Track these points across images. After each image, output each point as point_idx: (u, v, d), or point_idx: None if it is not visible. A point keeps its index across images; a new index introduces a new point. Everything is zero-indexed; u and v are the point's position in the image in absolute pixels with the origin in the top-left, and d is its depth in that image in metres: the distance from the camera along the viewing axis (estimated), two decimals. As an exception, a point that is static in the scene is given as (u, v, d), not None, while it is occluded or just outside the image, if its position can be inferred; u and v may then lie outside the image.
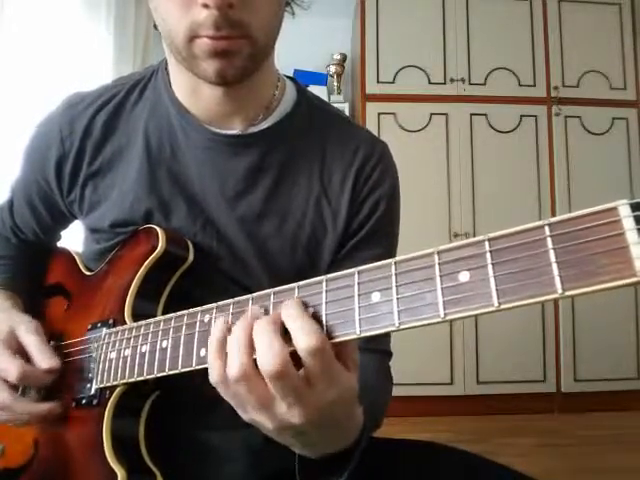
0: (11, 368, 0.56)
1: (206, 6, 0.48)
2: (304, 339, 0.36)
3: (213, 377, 0.40)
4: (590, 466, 1.85)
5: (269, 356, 0.36)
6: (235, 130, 0.63)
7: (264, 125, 0.64)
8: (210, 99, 0.61)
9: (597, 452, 1.99)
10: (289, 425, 0.38)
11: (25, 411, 0.57)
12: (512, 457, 1.64)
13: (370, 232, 0.65)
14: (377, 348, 0.65)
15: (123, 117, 0.65)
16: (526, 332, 2.48)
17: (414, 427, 2.11)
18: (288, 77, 0.71)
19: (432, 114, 2.59)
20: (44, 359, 0.57)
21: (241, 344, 0.38)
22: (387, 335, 0.68)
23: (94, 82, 0.72)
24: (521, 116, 2.60)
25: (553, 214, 2.53)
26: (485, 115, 2.60)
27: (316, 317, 0.38)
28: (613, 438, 2.14)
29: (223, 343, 0.39)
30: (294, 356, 0.37)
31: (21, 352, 0.59)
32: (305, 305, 0.38)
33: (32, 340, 0.59)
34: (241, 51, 0.52)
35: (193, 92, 0.62)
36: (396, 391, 0.68)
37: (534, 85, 2.63)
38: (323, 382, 0.37)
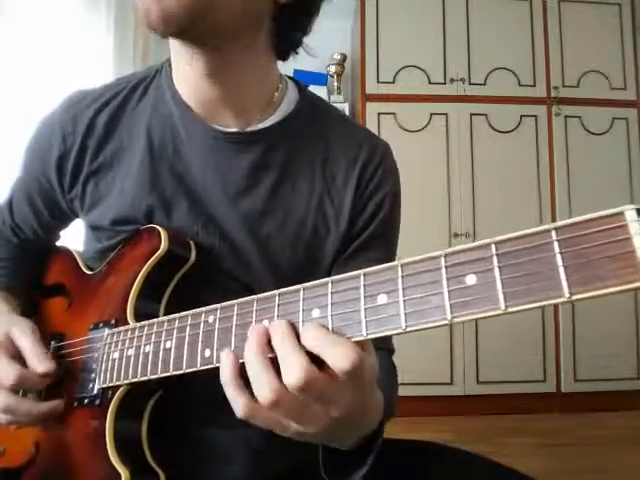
0: (9, 373, 0.56)
1: None
2: (340, 360, 0.35)
3: (239, 412, 0.39)
4: (590, 466, 1.85)
5: (293, 370, 0.35)
6: (233, 127, 0.63)
7: (266, 123, 0.64)
8: (197, 84, 0.61)
9: (597, 452, 2.00)
10: (329, 422, 0.38)
11: (29, 411, 0.57)
12: (512, 457, 1.64)
13: (374, 233, 0.65)
14: (382, 346, 0.64)
15: (126, 115, 0.65)
16: (526, 332, 2.48)
17: (414, 427, 2.11)
18: (290, 77, 0.72)
19: (432, 114, 2.59)
20: (39, 363, 0.57)
21: (263, 366, 0.37)
22: None
23: (94, 82, 0.72)
24: (521, 116, 2.61)
25: (553, 214, 2.53)
26: (485, 115, 2.60)
27: (322, 319, 0.38)
28: (613, 438, 2.14)
29: (239, 374, 0.39)
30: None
31: (17, 356, 0.58)
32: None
33: (27, 343, 0.59)
34: None
35: (186, 81, 0.62)
36: (396, 391, 0.68)
37: (534, 85, 2.63)
38: (353, 391, 0.37)
